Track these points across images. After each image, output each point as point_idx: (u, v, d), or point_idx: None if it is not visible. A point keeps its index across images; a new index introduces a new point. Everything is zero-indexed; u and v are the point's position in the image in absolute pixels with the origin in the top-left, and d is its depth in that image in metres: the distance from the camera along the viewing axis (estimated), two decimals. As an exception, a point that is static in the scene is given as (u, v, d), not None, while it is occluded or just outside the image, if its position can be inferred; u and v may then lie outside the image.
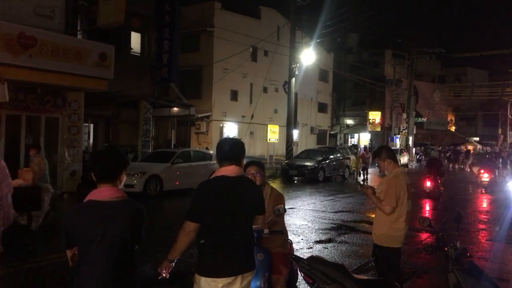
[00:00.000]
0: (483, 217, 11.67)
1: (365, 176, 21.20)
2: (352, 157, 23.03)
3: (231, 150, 3.08)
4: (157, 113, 18.89)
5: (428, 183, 14.55)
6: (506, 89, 46.54)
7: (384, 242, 4.22)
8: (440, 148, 40.58)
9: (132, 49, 17.51)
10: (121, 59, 14.71)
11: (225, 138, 3.46)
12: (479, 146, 44.40)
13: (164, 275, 2.98)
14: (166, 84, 19.14)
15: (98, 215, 2.47)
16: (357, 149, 26.66)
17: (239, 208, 2.97)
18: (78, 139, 13.90)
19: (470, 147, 39.99)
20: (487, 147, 42.48)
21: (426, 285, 6.08)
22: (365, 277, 4.28)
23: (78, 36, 14.33)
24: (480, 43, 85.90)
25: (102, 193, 2.53)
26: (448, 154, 33.57)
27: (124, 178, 2.66)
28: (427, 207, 13.05)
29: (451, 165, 30.24)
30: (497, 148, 43.09)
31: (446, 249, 3.82)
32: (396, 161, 4.48)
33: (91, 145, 17.94)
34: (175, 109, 20.04)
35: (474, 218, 11.17)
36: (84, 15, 14.98)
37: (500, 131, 50.27)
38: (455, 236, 3.88)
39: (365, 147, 25.68)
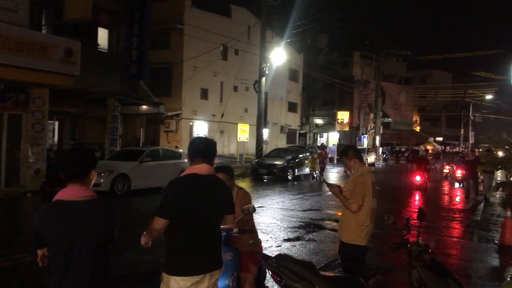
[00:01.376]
0: (451, 214, 12.05)
1: (318, 175, 20.72)
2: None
3: (204, 148, 3.09)
4: (125, 110, 18.59)
5: (418, 178, 17.42)
6: (469, 91, 48.26)
7: (350, 240, 4.31)
8: (404, 148, 41.77)
9: (99, 45, 17.15)
10: (88, 55, 14.38)
11: (198, 136, 3.47)
12: (437, 146, 45.87)
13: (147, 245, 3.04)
14: (135, 81, 18.86)
15: (68, 215, 2.42)
16: (325, 148, 26.72)
17: (210, 207, 2.97)
18: (42, 136, 13.53)
19: (428, 147, 41.26)
20: (443, 146, 43.96)
21: (391, 281, 6.24)
22: (332, 274, 4.36)
23: (44, 31, 13.93)
24: (444, 46, 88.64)
25: (71, 192, 2.48)
26: (406, 154, 34.14)
27: (94, 177, 2.63)
28: (416, 197, 15.68)
29: (409, 165, 30.88)
30: (460, 148, 44.61)
31: (408, 246, 3.93)
32: (362, 160, 4.60)
33: (56, 143, 17.49)
34: (144, 107, 19.78)
35: (438, 215, 11.51)
36: (50, 9, 14.58)
37: (462, 131, 52.06)
38: (418, 233, 4.01)
39: (322, 146, 25.50)
